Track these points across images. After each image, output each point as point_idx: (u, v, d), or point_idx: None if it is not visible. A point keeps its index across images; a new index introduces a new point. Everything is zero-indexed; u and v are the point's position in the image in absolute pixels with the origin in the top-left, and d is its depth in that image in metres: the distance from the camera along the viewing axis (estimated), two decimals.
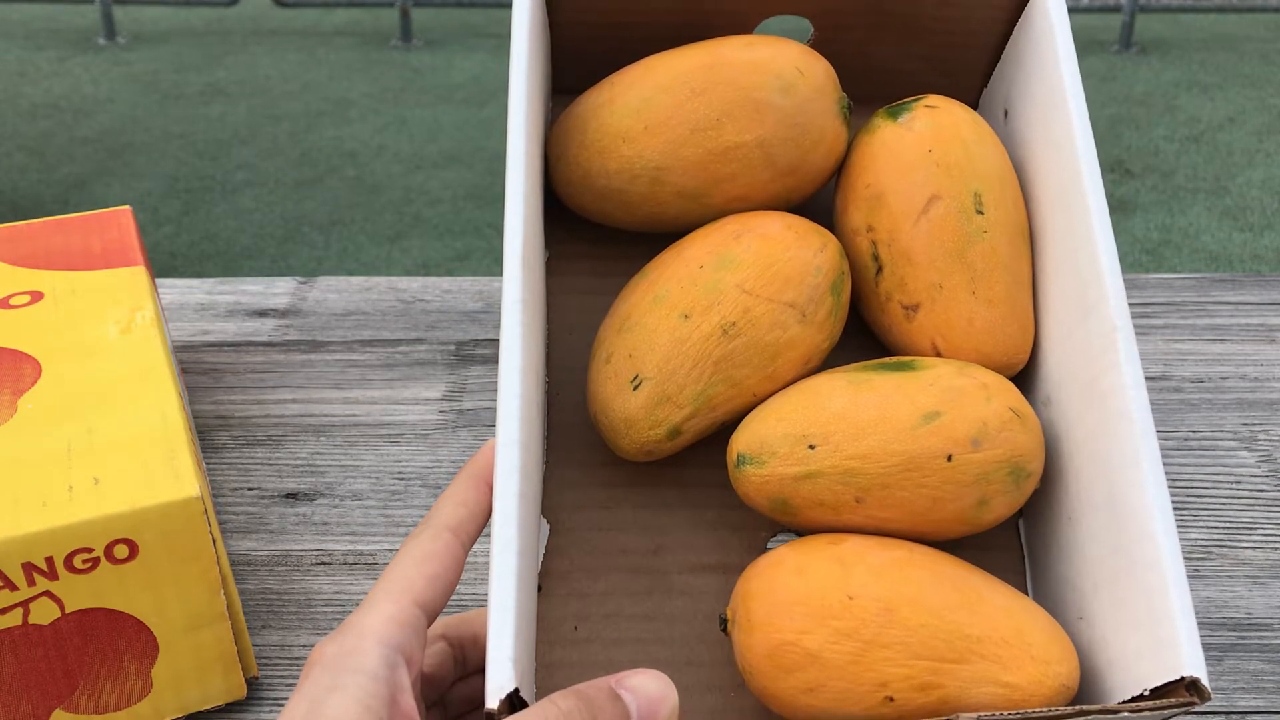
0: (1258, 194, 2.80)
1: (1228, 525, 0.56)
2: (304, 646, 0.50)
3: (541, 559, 0.45)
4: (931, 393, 0.42)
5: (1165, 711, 0.34)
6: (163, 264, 2.46)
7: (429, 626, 0.35)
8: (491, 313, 0.75)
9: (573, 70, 0.52)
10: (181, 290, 0.77)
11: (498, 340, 0.72)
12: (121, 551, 0.41)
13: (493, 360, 0.70)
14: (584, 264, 0.51)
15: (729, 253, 0.45)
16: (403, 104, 3.41)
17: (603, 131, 0.48)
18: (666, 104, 0.47)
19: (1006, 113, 0.53)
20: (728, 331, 0.44)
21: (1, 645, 0.41)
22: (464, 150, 3.07)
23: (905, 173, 0.47)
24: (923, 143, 0.47)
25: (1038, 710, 0.34)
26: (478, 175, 2.91)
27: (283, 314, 0.74)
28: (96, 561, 0.41)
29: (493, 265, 2.46)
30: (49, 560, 0.40)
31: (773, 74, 0.47)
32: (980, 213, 0.46)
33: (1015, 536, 0.47)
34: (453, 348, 0.71)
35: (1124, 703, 0.35)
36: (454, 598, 0.52)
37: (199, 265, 2.47)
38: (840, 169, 0.50)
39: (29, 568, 0.40)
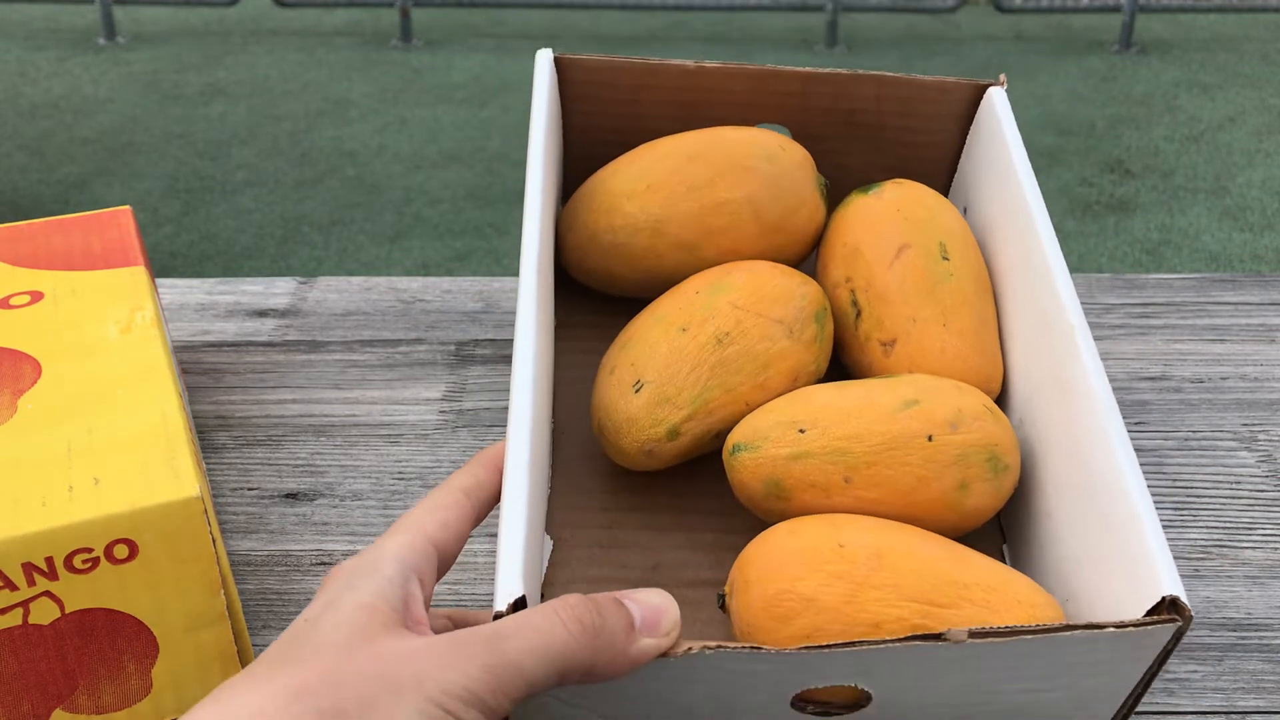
0: (1258, 194, 2.80)
1: (1227, 525, 0.56)
2: None
3: (545, 573, 0.46)
4: (910, 388, 0.46)
5: (1150, 629, 0.35)
6: (163, 264, 2.46)
7: (440, 576, 0.37)
8: (491, 313, 0.75)
9: (581, 176, 0.58)
10: (182, 290, 0.77)
11: (498, 340, 0.72)
12: (121, 551, 0.41)
13: (493, 360, 0.70)
14: (588, 330, 0.55)
15: (722, 281, 0.49)
16: (403, 104, 3.41)
17: (609, 194, 0.53)
18: (666, 167, 0.53)
19: (966, 209, 0.59)
20: (722, 340, 0.47)
21: (2, 645, 0.41)
22: (464, 150, 3.07)
23: (877, 227, 0.52)
24: (891, 205, 0.53)
25: (1026, 625, 0.35)
26: (478, 175, 2.91)
27: (283, 314, 0.74)
28: (96, 561, 0.41)
29: (493, 265, 2.46)
30: (49, 560, 0.40)
31: (759, 145, 0.54)
32: (946, 259, 0.51)
33: (999, 552, 0.49)
34: (453, 348, 0.71)
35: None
36: (456, 598, 0.52)
37: (199, 265, 2.47)
38: (820, 240, 0.56)
39: (29, 568, 0.40)
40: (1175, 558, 0.54)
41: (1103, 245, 2.53)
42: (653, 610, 0.35)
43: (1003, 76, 0.58)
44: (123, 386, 0.48)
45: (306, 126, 3.24)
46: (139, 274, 0.56)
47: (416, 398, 0.66)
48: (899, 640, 0.34)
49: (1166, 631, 0.35)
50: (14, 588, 0.40)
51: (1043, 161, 2.98)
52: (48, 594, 0.41)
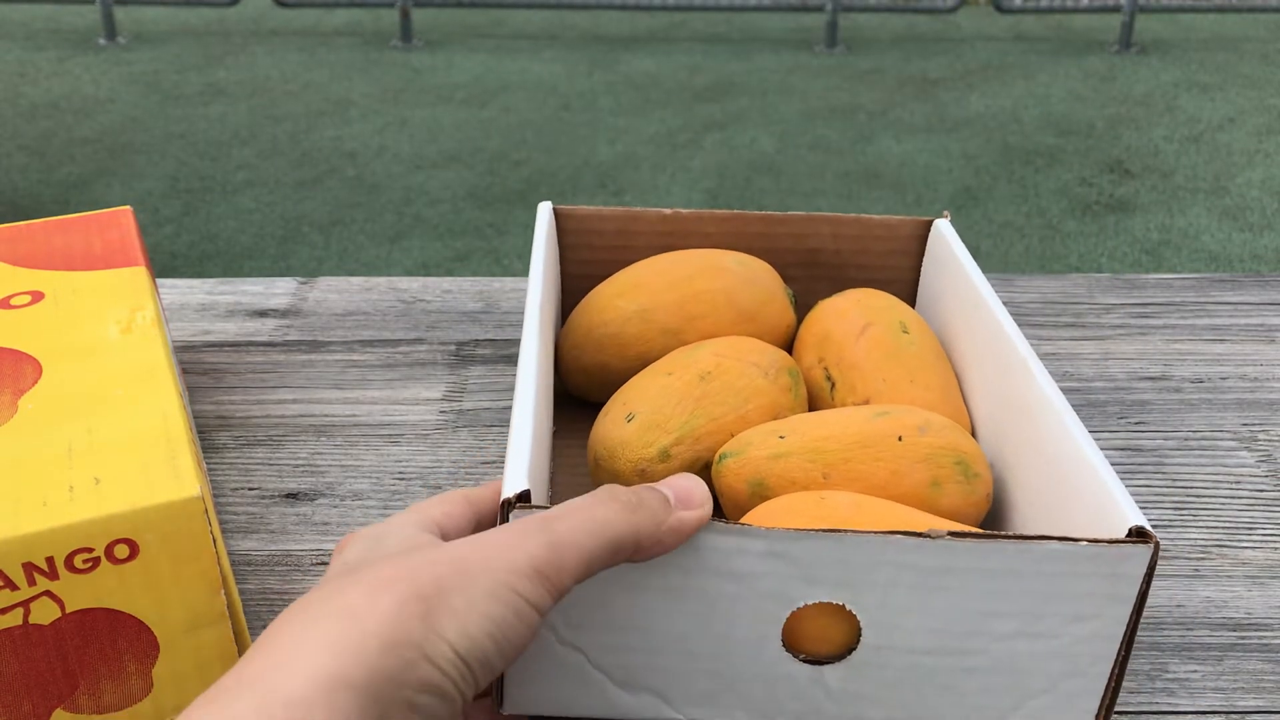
0: (1257, 194, 2.80)
1: (1227, 525, 0.56)
2: None
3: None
4: (880, 408, 0.50)
5: (1123, 549, 0.37)
6: (163, 264, 2.46)
7: None
8: (492, 313, 0.75)
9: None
10: (182, 290, 0.77)
11: (498, 340, 0.72)
12: (122, 551, 0.41)
13: (493, 361, 0.70)
14: (583, 438, 0.59)
15: (703, 343, 0.56)
16: (403, 104, 3.41)
17: (601, 297, 0.61)
18: (651, 271, 0.60)
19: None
20: (704, 378, 0.52)
21: (2, 645, 0.41)
22: (464, 150, 3.07)
23: (843, 314, 0.58)
24: (853, 299, 0.59)
25: (1006, 532, 0.37)
26: (478, 175, 2.91)
27: (283, 314, 0.74)
28: (97, 561, 0.41)
29: (492, 265, 2.46)
30: (49, 560, 0.40)
31: (729, 255, 0.62)
32: (906, 333, 0.56)
33: None
34: (453, 348, 0.71)
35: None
36: None
37: (199, 266, 2.47)
38: (792, 340, 0.61)
39: (29, 567, 0.40)
40: (1175, 558, 0.54)
41: (1102, 245, 2.53)
42: (683, 490, 0.37)
43: (946, 212, 0.64)
44: (123, 386, 0.48)
45: (307, 127, 3.24)
46: (140, 274, 0.56)
47: (417, 398, 0.66)
48: (882, 532, 0.36)
49: (1141, 556, 0.36)
50: (14, 587, 0.40)
51: (1042, 162, 2.98)
52: (48, 594, 0.41)
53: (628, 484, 0.51)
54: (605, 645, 0.38)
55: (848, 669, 0.38)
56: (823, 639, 0.38)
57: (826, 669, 0.38)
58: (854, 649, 0.38)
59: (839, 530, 0.36)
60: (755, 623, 0.37)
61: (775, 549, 0.36)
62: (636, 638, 0.38)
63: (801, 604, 0.37)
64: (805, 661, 0.38)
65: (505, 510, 0.36)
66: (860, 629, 0.38)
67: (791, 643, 0.38)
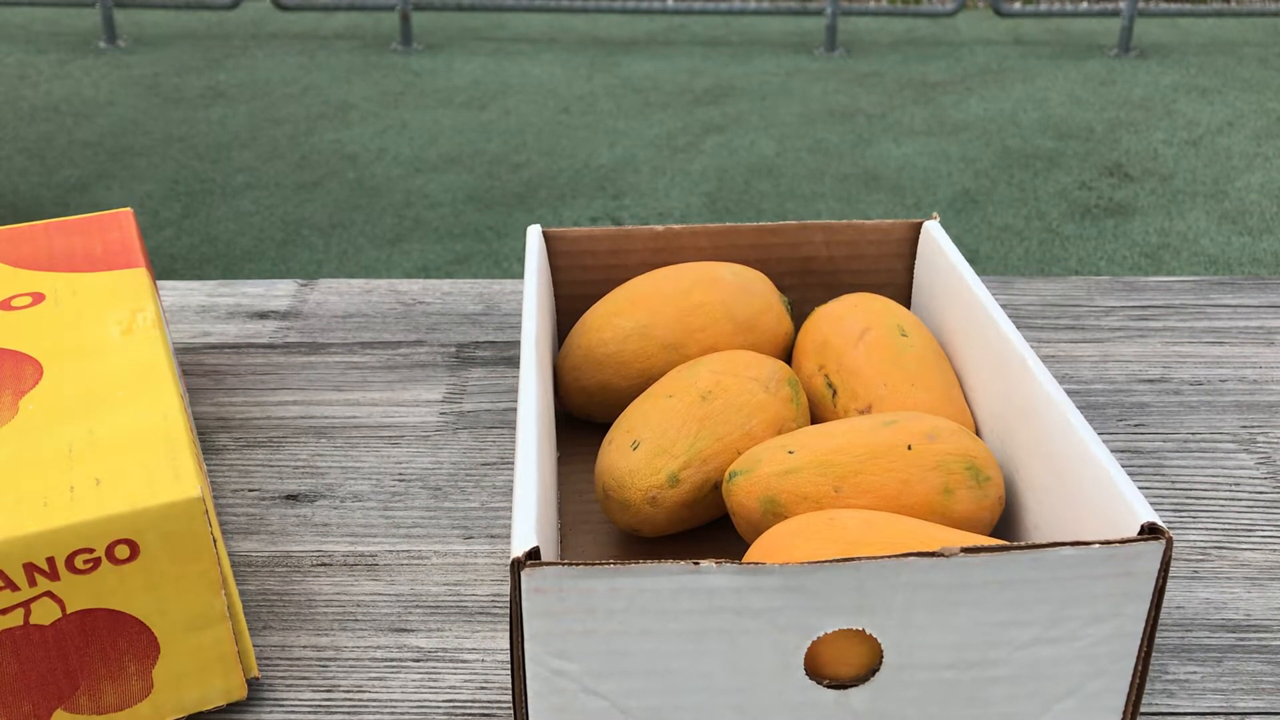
0: (1256, 198, 2.80)
1: (1227, 527, 0.56)
2: (304, 647, 0.50)
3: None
4: (886, 416, 0.50)
5: (1136, 547, 0.37)
6: (163, 267, 2.46)
7: None
8: (492, 315, 0.75)
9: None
10: (182, 292, 0.77)
11: (498, 342, 0.72)
12: (122, 552, 0.41)
13: (493, 363, 0.70)
14: (588, 461, 0.60)
15: (700, 361, 0.56)
16: (403, 107, 3.41)
17: (598, 316, 0.60)
18: (647, 286, 0.60)
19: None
20: (705, 398, 0.53)
21: (3, 645, 0.41)
22: (464, 153, 3.07)
23: (841, 320, 0.58)
24: (850, 304, 0.59)
25: (1018, 543, 0.37)
26: (477, 178, 2.91)
27: (283, 316, 0.74)
28: (98, 562, 0.41)
29: (492, 268, 2.46)
30: (50, 560, 0.40)
31: (723, 266, 0.62)
32: (905, 335, 0.57)
33: None
34: (453, 350, 0.71)
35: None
36: (457, 599, 0.52)
37: (199, 268, 2.47)
38: (791, 348, 0.61)
39: (30, 568, 0.40)
40: (1175, 559, 0.54)
41: (1101, 249, 2.53)
42: None
43: (935, 213, 0.64)
44: (124, 387, 0.48)
45: (307, 129, 3.24)
46: (140, 275, 0.56)
47: (417, 399, 0.66)
48: (895, 556, 0.36)
49: (1154, 553, 0.36)
50: (15, 588, 0.40)
51: (1042, 165, 2.98)
52: (49, 594, 0.41)
53: (639, 512, 0.51)
54: (629, 690, 0.38)
55: (872, 690, 0.38)
56: (845, 663, 0.38)
57: (852, 692, 0.38)
58: (877, 670, 0.38)
59: (852, 559, 0.36)
60: (776, 655, 0.37)
61: (790, 584, 0.36)
62: (660, 680, 0.38)
63: (820, 633, 0.37)
64: (829, 687, 0.38)
65: (516, 569, 0.36)
66: (881, 650, 0.38)
67: (814, 669, 0.38)
